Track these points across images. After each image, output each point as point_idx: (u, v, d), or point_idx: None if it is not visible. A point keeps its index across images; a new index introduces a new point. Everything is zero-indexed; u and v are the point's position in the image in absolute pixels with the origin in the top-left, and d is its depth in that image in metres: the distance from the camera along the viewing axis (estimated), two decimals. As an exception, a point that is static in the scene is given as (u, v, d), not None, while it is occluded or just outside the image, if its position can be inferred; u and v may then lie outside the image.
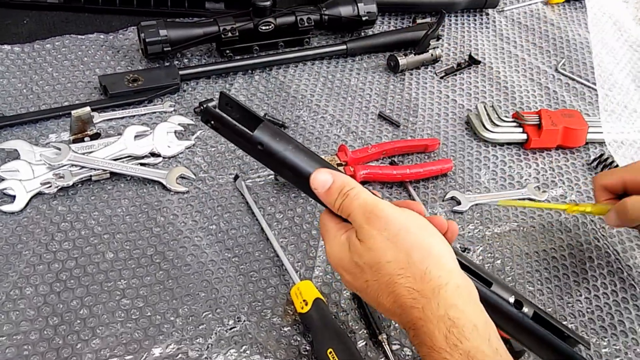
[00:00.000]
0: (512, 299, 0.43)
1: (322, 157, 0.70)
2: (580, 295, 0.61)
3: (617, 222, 0.56)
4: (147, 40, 0.73)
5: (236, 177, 0.66)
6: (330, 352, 0.50)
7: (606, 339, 0.57)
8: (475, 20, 0.98)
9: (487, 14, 1.00)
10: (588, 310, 0.60)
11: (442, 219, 0.44)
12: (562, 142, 0.77)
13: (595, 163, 0.75)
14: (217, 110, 0.43)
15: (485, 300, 0.41)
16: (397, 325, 0.56)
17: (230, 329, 0.53)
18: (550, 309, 0.59)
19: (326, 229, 0.44)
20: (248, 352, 0.52)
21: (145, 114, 0.71)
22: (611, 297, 0.61)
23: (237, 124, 0.42)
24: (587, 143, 0.78)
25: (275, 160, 0.43)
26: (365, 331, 0.55)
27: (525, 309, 0.43)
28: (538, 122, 0.76)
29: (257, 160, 0.44)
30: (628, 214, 0.54)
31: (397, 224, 0.40)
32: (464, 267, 0.42)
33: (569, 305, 0.60)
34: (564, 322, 0.58)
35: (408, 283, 0.39)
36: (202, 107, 0.44)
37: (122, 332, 0.52)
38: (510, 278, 0.61)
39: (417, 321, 0.38)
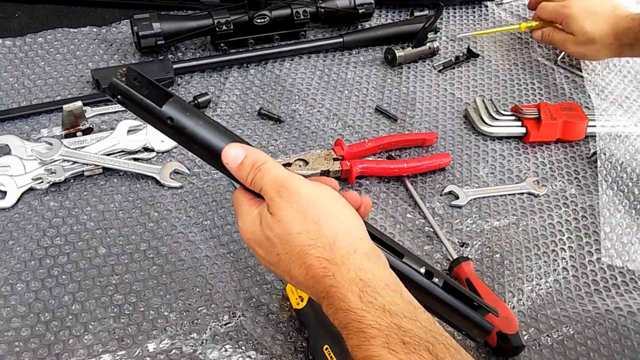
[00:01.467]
0: (422, 270, 0.44)
1: (319, 151, 0.70)
2: (580, 290, 0.60)
3: (539, 39, 0.87)
4: (140, 33, 0.72)
5: (231, 172, 0.65)
6: (327, 349, 0.49)
7: (605, 338, 0.56)
8: (473, 12, 0.97)
9: (486, 7, 0.99)
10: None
11: (355, 194, 0.45)
12: (561, 136, 0.76)
13: (595, 157, 0.75)
14: (124, 84, 0.41)
15: (397, 271, 0.42)
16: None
17: (226, 324, 0.52)
18: (549, 304, 0.58)
19: (239, 204, 0.44)
20: (243, 347, 0.51)
21: (138, 108, 0.70)
22: (612, 289, 0.61)
23: (144, 98, 0.41)
24: (586, 136, 0.77)
25: (186, 135, 0.42)
26: (362, 327, 0.54)
27: (435, 279, 0.44)
28: (537, 116, 0.75)
29: (168, 136, 0.43)
30: (542, 38, 0.86)
31: (307, 195, 0.41)
32: (375, 239, 0.43)
33: (569, 300, 0.59)
34: (564, 318, 0.57)
35: (318, 253, 0.40)
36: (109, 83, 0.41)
37: (115, 327, 0.51)
38: (509, 272, 0.60)
39: (329, 289, 0.39)
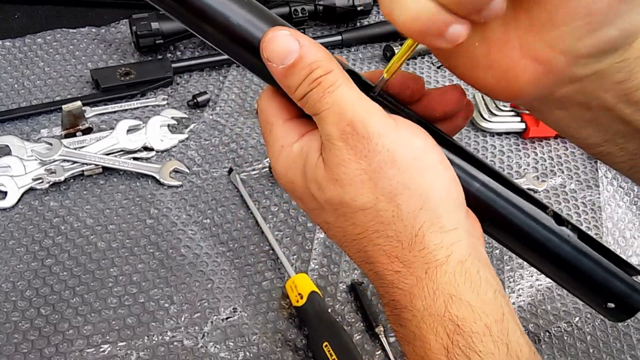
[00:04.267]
0: (549, 212, 0.30)
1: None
2: (580, 285, 0.60)
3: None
4: (139, 33, 0.73)
5: (230, 171, 0.65)
6: (326, 346, 0.49)
7: (604, 334, 0.56)
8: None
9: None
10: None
11: (455, 93, 0.31)
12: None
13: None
14: None
15: (506, 219, 0.29)
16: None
17: (226, 318, 0.53)
18: (549, 299, 0.58)
19: (269, 123, 0.30)
20: (244, 342, 0.51)
21: (137, 108, 0.70)
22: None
23: None
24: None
25: (196, 7, 0.27)
26: (361, 324, 0.54)
27: (568, 228, 0.30)
28: (536, 111, 0.75)
29: (168, 12, 0.29)
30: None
31: (385, 150, 0.27)
32: (481, 166, 0.29)
33: (569, 295, 0.59)
34: (563, 313, 0.57)
35: (390, 247, 0.27)
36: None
37: (115, 318, 0.51)
38: (509, 267, 0.60)
39: (402, 312, 0.27)
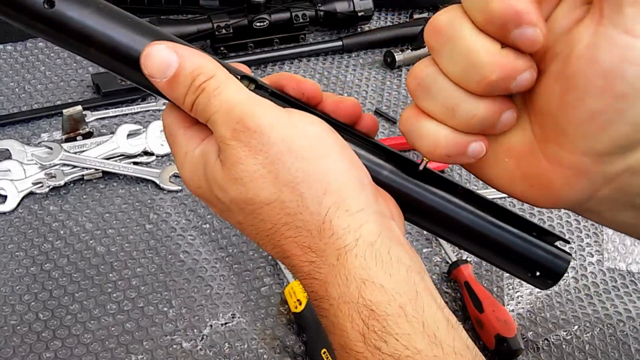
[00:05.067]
0: (459, 189, 0.31)
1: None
2: (580, 292, 0.60)
3: None
4: (140, 37, 0.73)
5: (230, 175, 0.65)
6: (324, 352, 0.49)
7: (603, 343, 0.56)
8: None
9: (485, 9, 0.99)
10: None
11: (351, 103, 0.31)
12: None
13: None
14: None
15: (419, 203, 0.29)
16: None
17: (225, 323, 0.53)
18: (548, 306, 0.58)
19: (171, 134, 0.30)
20: (244, 346, 0.51)
21: (138, 113, 0.70)
22: (612, 292, 0.61)
23: None
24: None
25: (78, 30, 0.27)
26: (360, 330, 0.54)
27: (483, 205, 0.31)
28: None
29: (49, 38, 0.29)
30: None
31: (279, 142, 0.26)
32: (388, 154, 0.30)
33: (568, 302, 0.59)
34: (562, 321, 0.57)
35: (301, 238, 0.27)
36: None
37: (114, 324, 0.51)
38: (508, 275, 0.60)
39: (320, 301, 0.27)
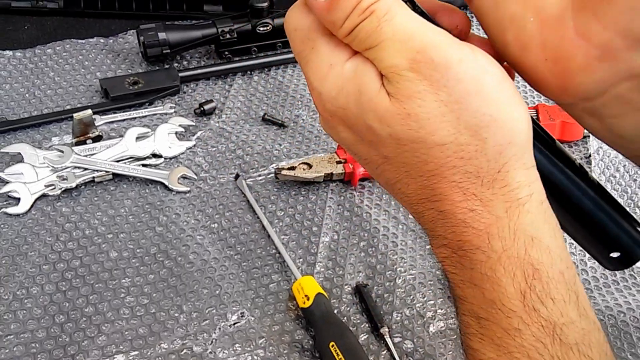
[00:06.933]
0: (577, 163, 0.30)
1: (322, 155, 0.71)
2: (579, 277, 0.62)
3: None
4: (146, 43, 0.74)
5: (237, 176, 0.67)
6: (332, 346, 0.50)
7: (604, 333, 0.57)
8: (472, 17, 0.99)
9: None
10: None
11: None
12: (560, 136, 0.77)
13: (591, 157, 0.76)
14: None
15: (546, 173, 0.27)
16: (398, 318, 0.56)
17: (234, 324, 0.54)
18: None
19: (310, 40, 0.26)
20: (251, 346, 0.52)
21: (146, 116, 0.72)
22: (612, 286, 0.62)
23: None
24: (585, 136, 0.78)
25: None
26: (366, 325, 0.55)
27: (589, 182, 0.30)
28: (536, 117, 0.77)
29: None
30: None
31: (469, 80, 0.24)
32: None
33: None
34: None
35: (467, 183, 0.24)
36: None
37: (127, 329, 0.52)
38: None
39: (472, 252, 0.25)
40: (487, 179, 0.24)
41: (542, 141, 0.28)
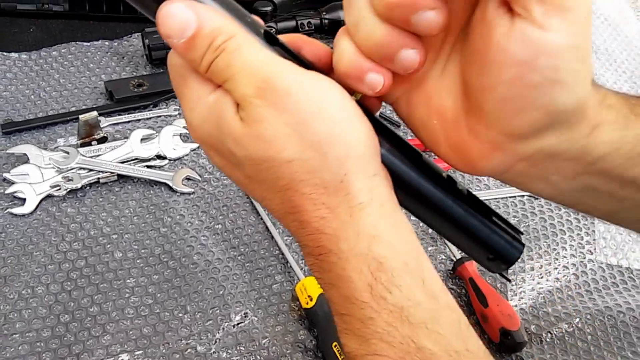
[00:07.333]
0: (444, 175, 0.33)
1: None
2: (580, 288, 0.62)
3: None
4: (151, 46, 0.75)
5: (240, 178, 0.67)
6: (335, 346, 0.51)
7: (604, 333, 0.58)
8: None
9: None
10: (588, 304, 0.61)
11: (317, 46, 0.31)
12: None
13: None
14: None
15: (408, 178, 0.31)
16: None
17: (237, 324, 0.55)
18: (550, 301, 0.60)
19: (183, 77, 0.29)
20: (255, 347, 0.53)
21: (150, 118, 0.72)
22: (612, 288, 0.62)
23: None
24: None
25: None
26: (369, 325, 0.56)
27: (458, 188, 0.33)
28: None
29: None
30: None
31: (308, 104, 0.27)
32: (385, 133, 0.31)
33: (570, 297, 0.61)
34: (564, 315, 0.59)
35: (316, 194, 0.27)
36: None
37: (132, 328, 0.53)
38: (511, 271, 0.62)
39: (327, 256, 0.28)
40: (332, 189, 0.27)
41: (409, 156, 0.32)
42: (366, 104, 0.31)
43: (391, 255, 0.27)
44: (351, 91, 0.30)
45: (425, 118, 0.31)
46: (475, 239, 0.34)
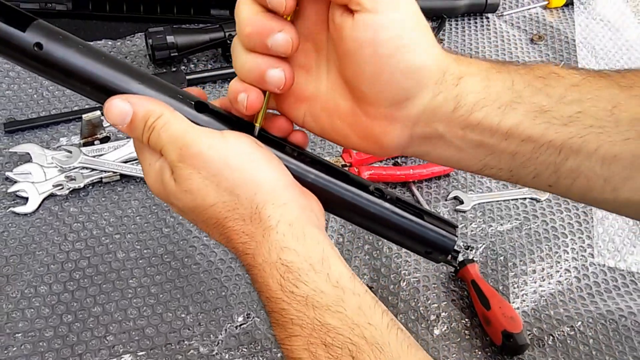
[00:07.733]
0: (371, 187, 0.39)
1: (328, 158, 0.72)
2: (582, 291, 0.62)
3: None
4: (154, 46, 0.75)
5: (243, 179, 0.67)
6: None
7: (606, 337, 0.58)
8: (475, 24, 1.00)
9: (487, 18, 1.02)
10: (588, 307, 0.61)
11: (283, 122, 0.39)
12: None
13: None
14: None
15: (340, 194, 0.38)
16: (402, 321, 0.57)
17: (240, 325, 0.54)
18: (552, 304, 0.60)
19: (140, 149, 0.38)
20: (258, 347, 0.53)
21: (153, 118, 0.72)
22: (613, 291, 0.63)
23: None
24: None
25: (62, 69, 0.34)
26: (371, 327, 0.56)
27: (387, 197, 0.39)
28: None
29: (39, 73, 0.35)
30: None
31: (217, 159, 0.35)
32: (311, 162, 0.38)
33: (571, 300, 0.61)
34: (566, 318, 0.59)
35: (237, 225, 0.35)
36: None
37: (135, 329, 0.53)
38: (513, 274, 0.62)
39: (251, 269, 0.36)
40: (248, 220, 0.35)
41: (336, 176, 0.39)
42: (274, 129, 0.39)
43: (297, 260, 0.34)
44: (255, 120, 0.38)
45: (331, 123, 0.38)
46: (410, 237, 0.40)
